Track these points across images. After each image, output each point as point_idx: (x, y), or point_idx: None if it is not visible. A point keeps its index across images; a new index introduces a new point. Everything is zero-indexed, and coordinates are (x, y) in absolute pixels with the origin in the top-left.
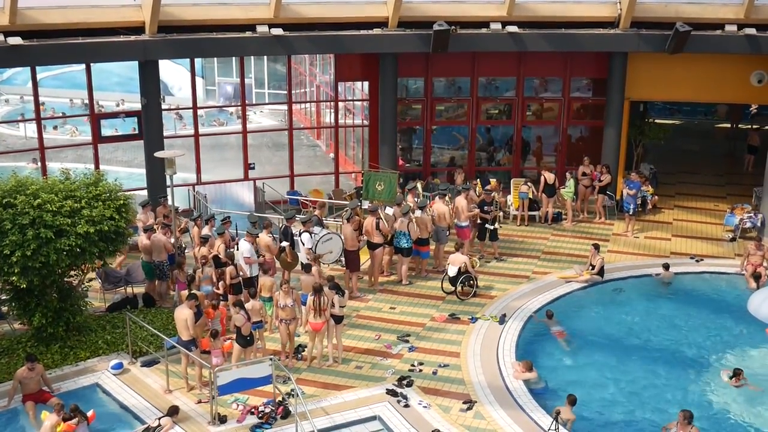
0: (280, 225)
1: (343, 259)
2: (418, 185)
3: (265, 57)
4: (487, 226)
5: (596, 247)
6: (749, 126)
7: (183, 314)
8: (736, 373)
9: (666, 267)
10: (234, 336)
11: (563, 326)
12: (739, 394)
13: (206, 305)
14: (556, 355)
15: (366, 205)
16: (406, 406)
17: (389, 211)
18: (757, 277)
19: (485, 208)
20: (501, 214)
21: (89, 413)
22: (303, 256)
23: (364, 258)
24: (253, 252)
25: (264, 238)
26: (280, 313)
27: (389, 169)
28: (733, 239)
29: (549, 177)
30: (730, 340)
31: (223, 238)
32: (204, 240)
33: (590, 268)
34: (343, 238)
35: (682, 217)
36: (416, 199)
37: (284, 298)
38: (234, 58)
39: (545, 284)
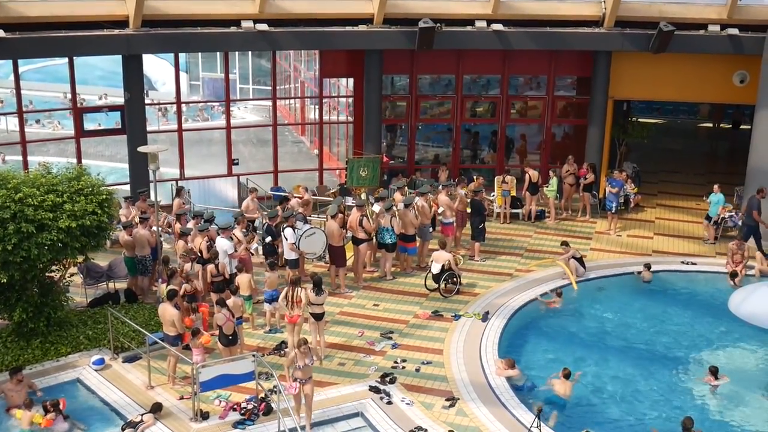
0: (263, 222)
1: (326, 255)
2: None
3: (250, 52)
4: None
5: (565, 243)
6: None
7: (169, 312)
8: (713, 371)
9: (648, 267)
10: (215, 333)
11: (560, 305)
12: (719, 393)
13: (185, 308)
14: (539, 352)
15: (350, 201)
16: (389, 402)
17: (376, 208)
18: (733, 275)
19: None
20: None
21: (60, 402)
22: (286, 251)
23: (349, 254)
24: (232, 248)
25: (236, 233)
26: (297, 373)
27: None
28: (714, 239)
29: (533, 175)
30: (711, 337)
31: (204, 236)
32: (182, 234)
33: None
34: (327, 233)
35: (664, 215)
36: (403, 197)
37: (302, 358)
38: (218, 53)
39: (528, 281)
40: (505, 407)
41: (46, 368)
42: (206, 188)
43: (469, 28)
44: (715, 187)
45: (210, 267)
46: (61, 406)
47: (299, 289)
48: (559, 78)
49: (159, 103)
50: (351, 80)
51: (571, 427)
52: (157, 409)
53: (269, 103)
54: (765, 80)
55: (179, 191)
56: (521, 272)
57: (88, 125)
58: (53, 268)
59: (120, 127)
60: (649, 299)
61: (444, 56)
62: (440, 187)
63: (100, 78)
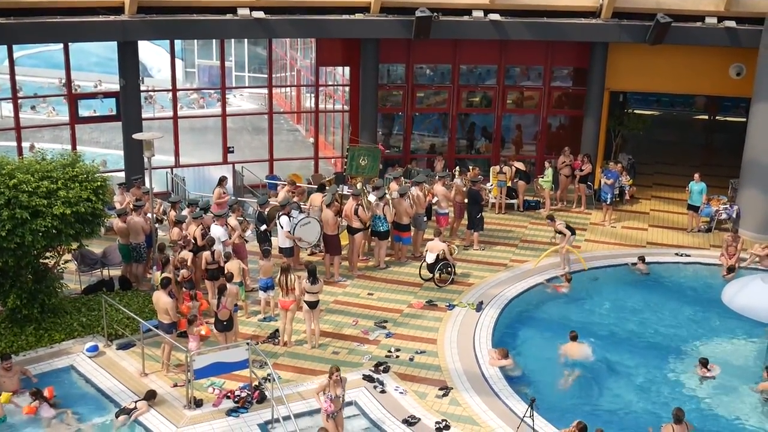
0: (255, 209)
1: (321, 243)
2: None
3: (246, 40)
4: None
5: (551, 218)
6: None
7: (163, 300)
8: (703, 362)
9: (642, 260)
10: (210, 320)
11: (569, 291)
12: (710, 384)
13: (183, 293)
14: (532, 342)
15: (346, 190)
16: (383, 391)
17: (372, 197)
18: (730, 269)
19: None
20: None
21: (46, 390)
22: (282, 240)
23: (344, 243)
24: (226, 235)
25: (231, 221)
26: (327, 405)
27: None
28: (708, 230)
29: (519, 166)
30: (703, 329)
31: (198, 223)
32: (178, 222)
33: (560, 236)
34: (322, 222)
35: (658, 207)
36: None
37: (334, 387)
38: (214, 40)
39: (523, 272)
40: (498, 397)
41: (39, 355)
42: (201, 176)
43: (466, 17)
44: (696, 175)
45: (205, 254)
46: (47, 394)
47: (291, 276)
48: (556, 69)
49: (154, 90)
50: (347, 69)
51: (562, 417)
52: (150, 396)
53: (265, 91)
54: (761, 73)
55: (221, 181)
56: (516, 263)
57: (83, 112)
58: (47, 254)
59: (115, 113)
60: (642, 290)
61: (441, 46)
62: (436, 177)
63: (96, 64)
